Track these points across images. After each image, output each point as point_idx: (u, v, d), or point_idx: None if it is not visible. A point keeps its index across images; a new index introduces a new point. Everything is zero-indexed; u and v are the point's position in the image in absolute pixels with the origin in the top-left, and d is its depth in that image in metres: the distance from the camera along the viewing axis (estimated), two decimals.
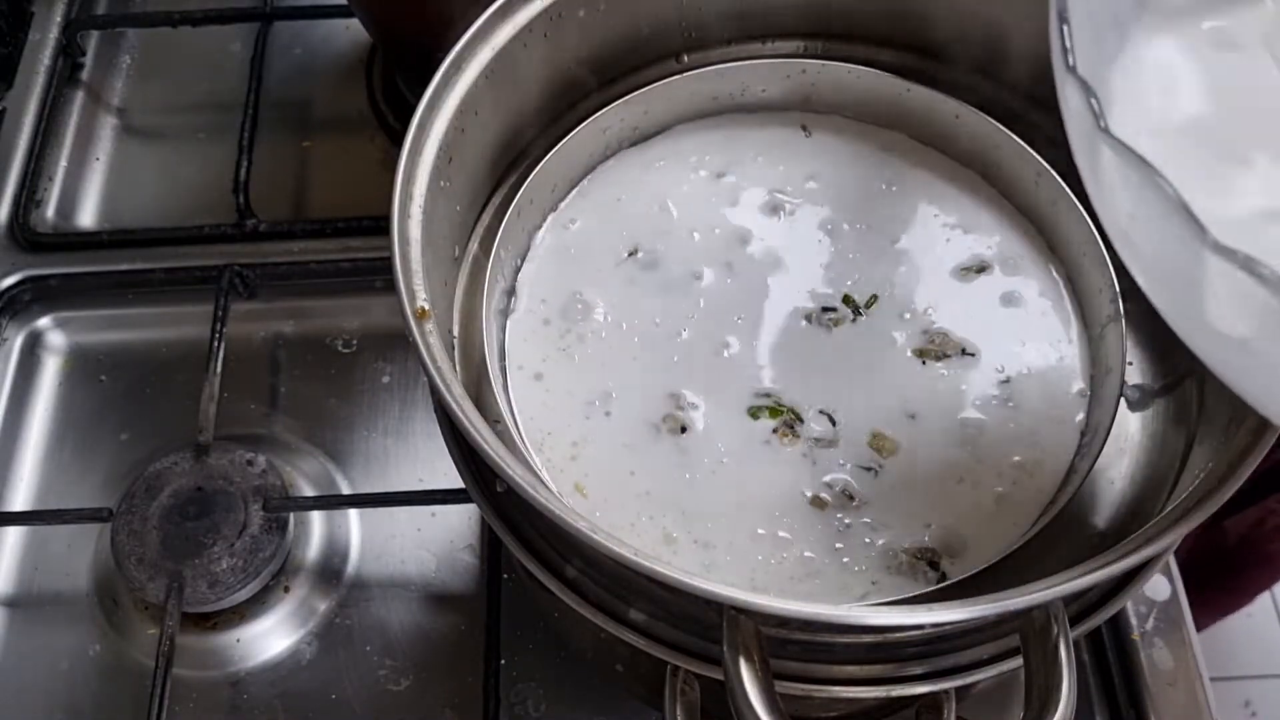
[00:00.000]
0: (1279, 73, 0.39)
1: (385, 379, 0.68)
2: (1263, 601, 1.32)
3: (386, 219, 0.42)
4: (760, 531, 0.44)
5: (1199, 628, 0.59)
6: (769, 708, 0.35)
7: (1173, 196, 0.29)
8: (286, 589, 0.60)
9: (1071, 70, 0.33)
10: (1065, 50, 0.33)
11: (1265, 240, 0.35)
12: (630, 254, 0.51)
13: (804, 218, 0.51)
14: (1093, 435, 0.45)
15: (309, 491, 0.63)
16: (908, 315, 0.49)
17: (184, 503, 0.60)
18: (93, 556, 0.62)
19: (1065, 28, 0.33)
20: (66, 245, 0.72)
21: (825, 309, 0.49)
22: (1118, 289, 0.46)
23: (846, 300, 0.49)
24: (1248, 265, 0.28)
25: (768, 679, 0.36)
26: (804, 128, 0.54)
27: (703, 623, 0.39)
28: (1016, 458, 0.45)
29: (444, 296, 0.47)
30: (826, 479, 0.45)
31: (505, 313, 0.49)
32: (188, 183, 0.76)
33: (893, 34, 0.53)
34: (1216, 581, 1.03)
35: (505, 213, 0.49)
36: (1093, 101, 0.31)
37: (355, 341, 0.70)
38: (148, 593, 0.58)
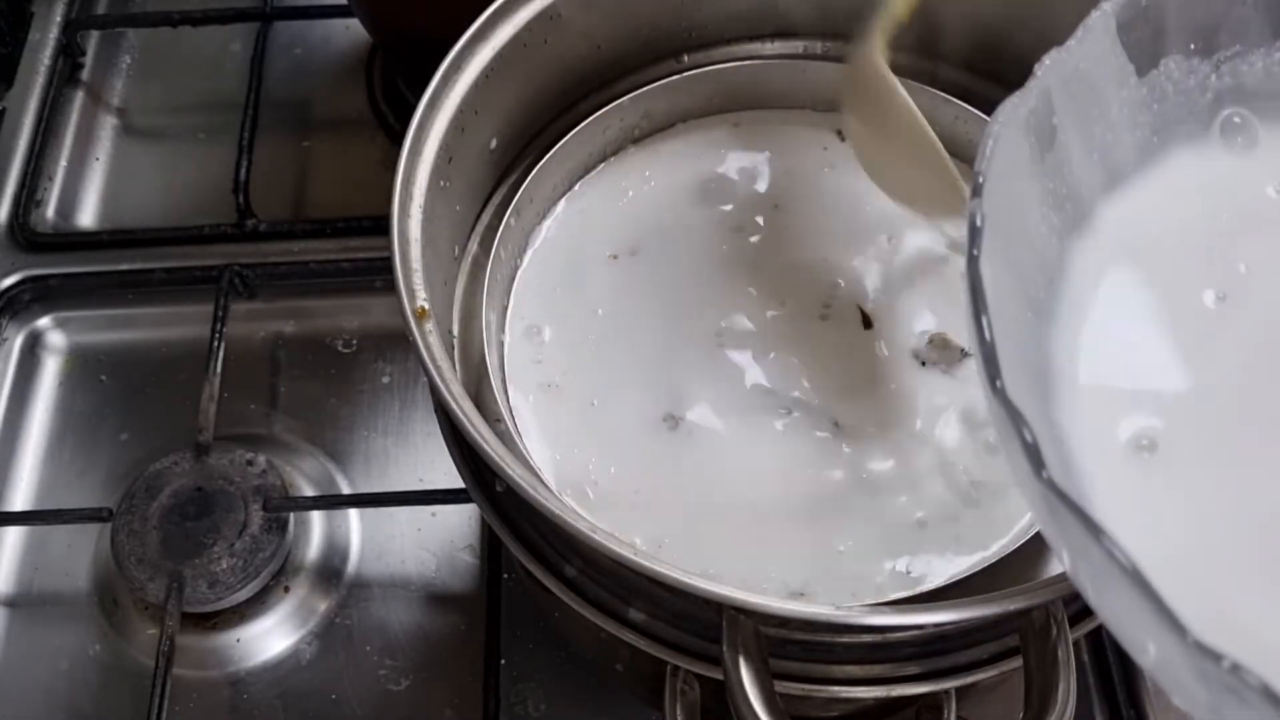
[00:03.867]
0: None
1: (385, 379, 0.68)
2: None
3: (386, 219, 0.42)
4: (762, 530, 0.44)
5: None
6: (769, 708, 0.35)
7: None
8: (286, 589, 0.60)
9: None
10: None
11: None
12: (630, 253, 0.51)
13: (804, 217, 0.51)
14: None
15: (309, 491, 0.63)
16: (908, 314, 0.49)
17: (184, 503, 0.60)
18: (93, 556, 0.62)
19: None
20: (66, 245, 0.72)
21: (826, 307, 0.49)
22: None
23: (855, 307, 0.49)
24: (1235, 674, 0.23)
25: (767, 679, 0.36)
26: (803, 126, 0.54)
27: (703, 623, 0.39)
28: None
29: (444, 296, 0.47)
30: (828, 477, 0.45)
31: (505, 312, 0.49)
32: (188, 183, 0.76)
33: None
34: None
35: (505, 213, 0.49)
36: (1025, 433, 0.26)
37: (355, 341, 0.70)
38: (148, 593, 0.58)
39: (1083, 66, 0.34)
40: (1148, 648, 0.26)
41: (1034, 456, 0.26)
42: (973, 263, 0.28)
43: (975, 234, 0.29)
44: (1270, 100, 0.38)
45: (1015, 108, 0.32)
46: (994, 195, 0.30)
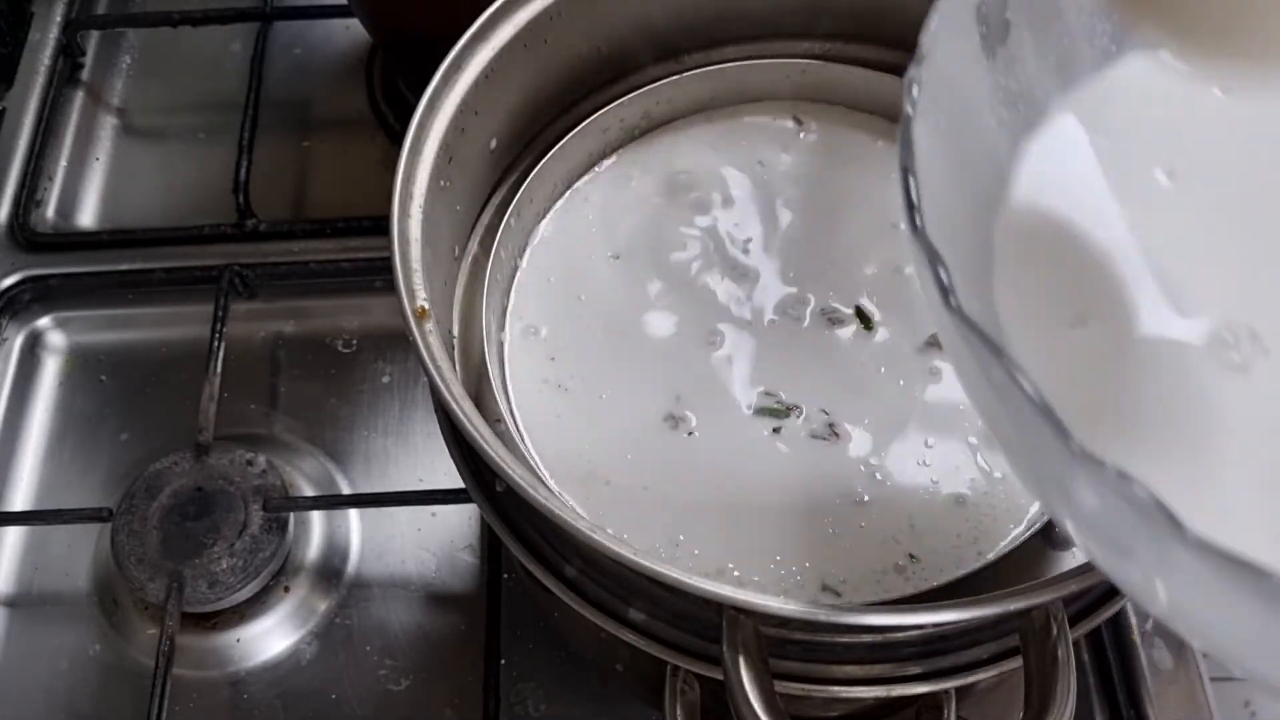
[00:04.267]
0: None
1: (385, 379, 0.68)
2: None
3: (386, 219, 0.42)
4: (763, 529, 0.44)
5: None
6: (769, 708, 0.35)
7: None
8: (286, 589, 0.60)
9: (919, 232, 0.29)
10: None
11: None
12: (630, 252, 0.51)
13: (805, 216, 0.51)
14: None
15: (309, 491, 0.63)
16: (909, 314, 0.48)
17: (184, 503, 0.60)
18: (93, 556, 0.62)
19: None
20: (66, 245, 0.72)
21: (826, 306, 0.49)
22: None
23: (855, 306, 0.49)
24: (1118, 482, 0.24)
25: (767, 679, 0.36)
26: (801, 123, 0.54)
27: (703, 623, 0.39)
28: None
29: (444, 296, 0.47)
30: (828, 477, 0.45)
31: (505, 312, 0.49)
32: (188, 183, 0.76)
33: (893, 34, 0.53)
34: None
35: (505, 213, 0.49)
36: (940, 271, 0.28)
37: (355, 341, 0.70)
38: (148, 593, 0.58)
39: None
40: (1042, 472, 0.28)
41: (943, 288, 0.28)
42: (906, 121, 0.30)
43: (911, 99, 0.31)
44: None
45: None
46: (935, 69, 0.31)
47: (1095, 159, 0.37)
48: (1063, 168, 0.36)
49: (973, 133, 0.35)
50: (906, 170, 0.30)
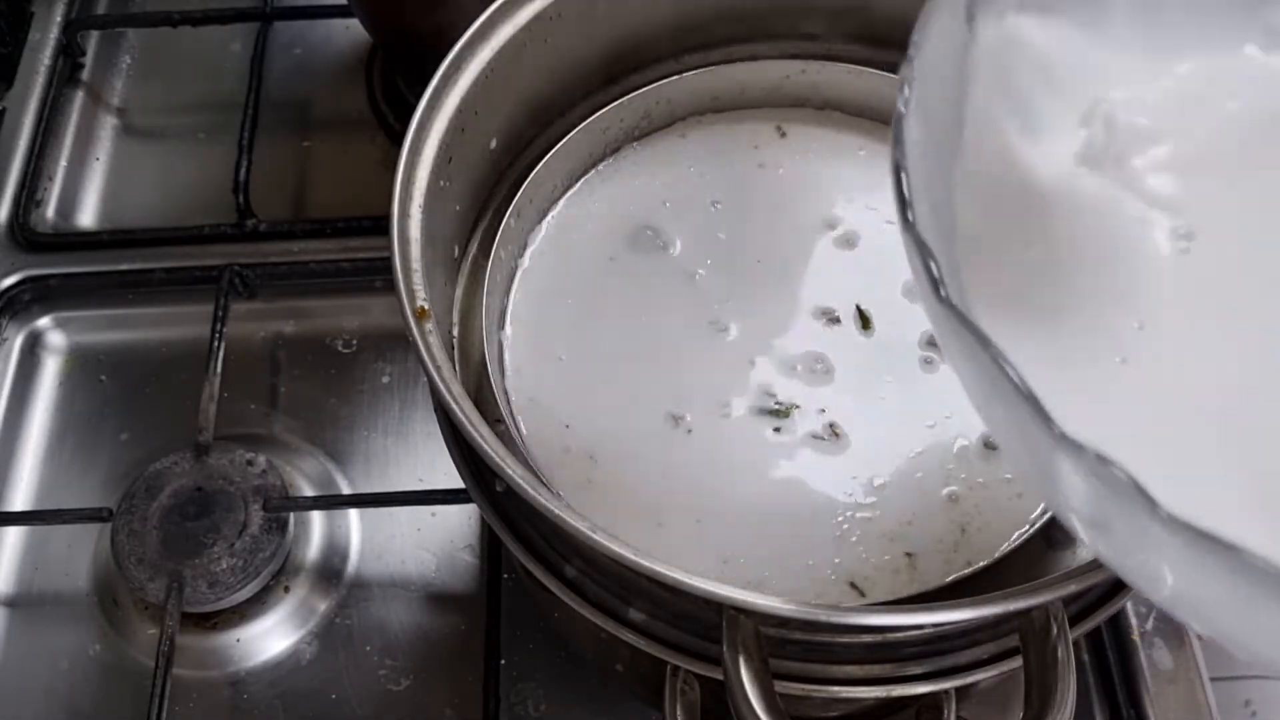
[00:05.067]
0: None
1: (385, 379, 0.68)
2: None
3: (386, 219, 0.42)
4: (764, 528, 0.44)
5: None
6: (769, 708, 0.35)
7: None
8: (286, 589, 0.60)
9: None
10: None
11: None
12: (630, 252, 0.51)
13: (807, 215, 0.51)
14: None
15: (309, 491, 0.63)
16: (909, 314, 0.48)
17: (184, 503, 0.60)
18: (93, 556, 0.62)
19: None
20: (66, 245, 0.72)
21: (827, 307, 0.49)
22: None
23: (854, 306, 0.49)
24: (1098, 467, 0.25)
25: (767, 679, 0.36)
26: (799, 125, 0.54)
27: (703, 623, 0.39)
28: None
29: (444, 296, 0.47)
30: (829, 477, 0.45)
31: (505, 312, 0.49)
32: (188, 183, 0.76)
33: (893, 34, 0.53)
34: None
35: (505, 213, 0.49)
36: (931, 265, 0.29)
37: (355, 341, 0.70)
38: (148, 593, 0.58)
39: None
40: (1026, 455, 0.28)
41: (934, 280, 0.28)
42: (899, 119, 0.31)
43: (903, 97, 0.31)
44: None
45: None
46: (925, 66, 0.32)
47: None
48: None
49: (957, 128, 0.36)
50: (899, 167, 0.30)
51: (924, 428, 0.46)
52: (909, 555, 0.43)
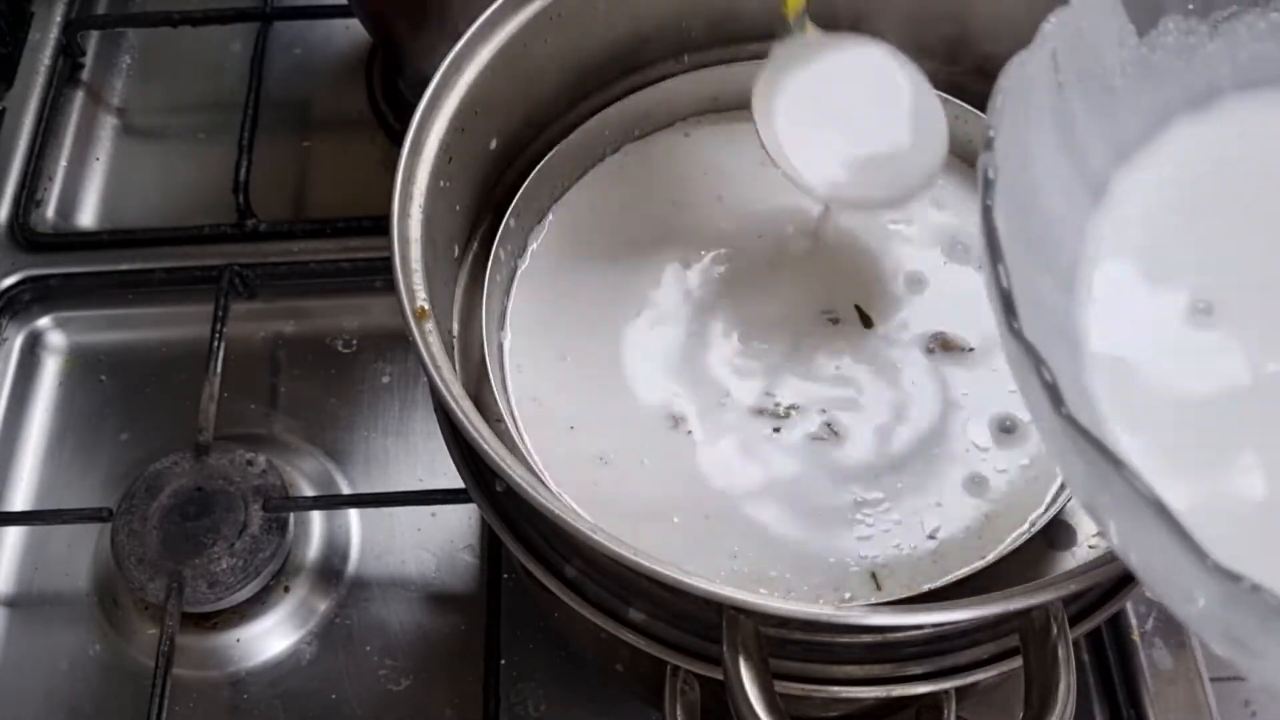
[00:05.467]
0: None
1: (385, 379, 0.68)
2: None
3: (386, 219, 0.42)
4: (765, 528, 0.44)
5: None
6: (769, 708, 0.35)
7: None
8: (286, 589, 0.60)
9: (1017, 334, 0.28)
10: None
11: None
12: (630, 251, 0.51)
13: (806, 213, 0.51)
14: None
15: (309, 491, 0.63)
16: (909, 314, 0.48)
17: (184, 503, 0.60)
18: (93, 556, 0.62)
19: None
20: (66, 245, 0.72)
21: (827, 306, 0.49)
22: None
23: (854, 306, 0.49)
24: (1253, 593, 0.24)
25: (767, 679, 0.36)
26: None
27: (703, 623, 0.39)
28: (1024, 461, 0.45)
29: (444, 296, 0.47)
30: (829, 477, 0.45)
31: (505, 312, 0.49)
32: (188, 183, 0.76)
33: (893, 34, 0.53)
34: None
35: (505, 213, 0.49)
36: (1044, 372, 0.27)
37: (355, 341, 0.70)
38: (148, 593, 0.58)
39: (1084, 25, 0.34)
40: (1172, 580, 0.27)
41: (1053, 394, 0.26)
42: (987, 212, 0.29)
43: (988, 186, 0.29)
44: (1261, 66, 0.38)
45: (1023, 64, 0.32)
46: (1006, 151, 0.30)
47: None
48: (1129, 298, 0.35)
49: (1042, 213, 0.34)
50: (996, 262, 0.28)
51: (924, 428, 0.46)
52: (911, 555, 0.43)
